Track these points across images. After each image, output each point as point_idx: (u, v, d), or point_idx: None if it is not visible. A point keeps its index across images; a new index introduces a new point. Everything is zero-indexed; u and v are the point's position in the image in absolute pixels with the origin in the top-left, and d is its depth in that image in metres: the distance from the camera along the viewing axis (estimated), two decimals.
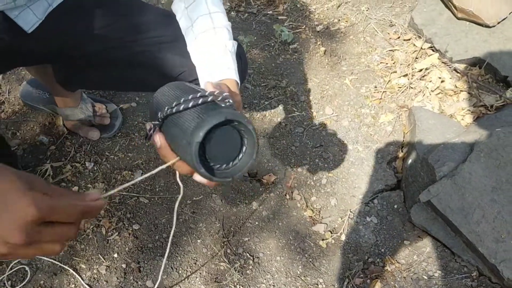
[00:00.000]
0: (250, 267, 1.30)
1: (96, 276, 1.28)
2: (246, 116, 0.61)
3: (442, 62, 1.73)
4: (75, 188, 1.47)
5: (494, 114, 1.53)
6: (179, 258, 1.32)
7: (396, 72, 1.76)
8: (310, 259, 1.33)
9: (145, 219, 1.41)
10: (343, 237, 1.37)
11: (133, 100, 1.75)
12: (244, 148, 0.65)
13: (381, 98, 1.70)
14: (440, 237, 1.30)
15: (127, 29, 1.14)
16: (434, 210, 1.29)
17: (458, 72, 1.70)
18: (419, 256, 1.31)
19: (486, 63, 1.67)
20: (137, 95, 1.76)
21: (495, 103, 1.57)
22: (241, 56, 1.09)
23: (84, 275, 1.29)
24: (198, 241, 1.36)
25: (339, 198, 1.46)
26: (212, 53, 0.93)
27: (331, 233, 1.38)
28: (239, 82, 0.89)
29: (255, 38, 2.01)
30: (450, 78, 1.67)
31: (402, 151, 1.56)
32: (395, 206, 1.43)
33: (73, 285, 1.27)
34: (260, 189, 1.49)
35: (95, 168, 1.54)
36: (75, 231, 0.56)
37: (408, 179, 1.43)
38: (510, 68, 1.63)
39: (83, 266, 1.31)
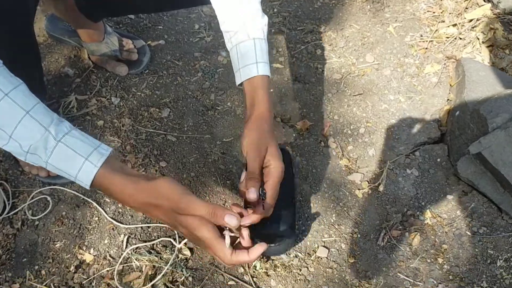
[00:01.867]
0: None
1: (120, 211, 1.23)
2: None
3: (494, 14, 1.60)
4: (100, 123, 1.40)
5: None
6: (207, 198, 1.25)
7: (444, 21, 1.64)
8: (345, 208, 1.26)
9: (173, 157, 1.34)
10: (381, 188, 1.29)
11: (161, 38, 1.66)
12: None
13: (427, 48, 1.59)
14: (487, 192, 1.21)
15: None
16: (484, 163, 1.20)
17: (511, 25, 1.58)
18: (462, 212, 1.23)
19: None
20: (166, 33, 1.67)
21: None
22: None
23: (108, 209, 1.23)
24: (228, 182, 1.29)
25: (377, 148, 1.38)
26: (244, 45, 0.97)
27: (368, 183, 1.30)
28: (270, 75, 0.97)
29: None
30: (503, 30, 1.55)
31: (447, 104, 1.45)
32: (438, 160, 1.34)
33: (96, 218, 1.21)
34: (294, 135, 1.40)
35: (121, 104, 1.46)
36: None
37: (455, 132, 1.34)
38: None
39: (107, 200, 1.25)
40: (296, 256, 1.16)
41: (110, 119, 1.42)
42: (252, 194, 0.86)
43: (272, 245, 1.01)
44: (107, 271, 1.12)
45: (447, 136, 1.38)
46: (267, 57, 0.99)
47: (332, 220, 1.23)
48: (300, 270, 1.14)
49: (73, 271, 1.13)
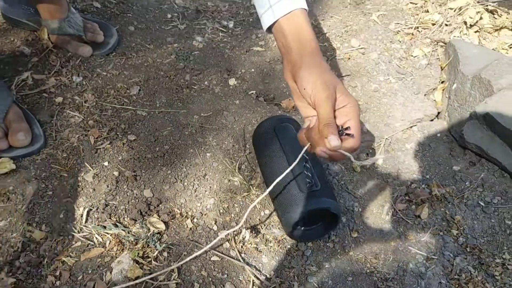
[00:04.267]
0: None
1: (80, 184, 1.03)
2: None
3: (477, 2, 1.57)
4: (59, 99, 1.23)
5: None
6: (185, 170, 1.08)
7: (428, 11, 1.59)
8: (342, 182, 1.10)
9: (143, 130, 1.17)
10: (380, 162, 1.15)
11: (130, 24, 1.53)
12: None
13: (413, 34, 1.52)
14: (498, 158, 1.09)
15: None
16: (492, 126, 1.09)
17: (495, 13, 1.54)
18: (472, 183, 1.10)
19: None
20: (135, 20, 1.55)
21: None
22: None
23: (64, 183, 1.03)
24: (208, 154, 1.12)
25: (371, 125, 1.25)
26: None
27: (367, 155, 1.16)
28: (306, 8, 0.80)
29: None
30: (489, 17, 1.51)
31: (441, 84, 1.36)
32: (438, 135, 1.23)
33: (50, 192, 1.01)
34: (279, 112, 1.27)
35: (84, 83, 1.30)
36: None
37: (453, 105, 1.23)
38: None
39: (64, 174, 1.05)
40: None
41: (71, 96, 1.25)
42: (334, 142, 0.69)
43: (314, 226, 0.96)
44: (62, 247, 0.91)
45: (443, 113, 1.28)
46: None
47: None
48: (297, 245, 0.97)
49: (19, 250, 0.91)
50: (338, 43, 1.50)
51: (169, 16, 1.60)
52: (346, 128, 0.71)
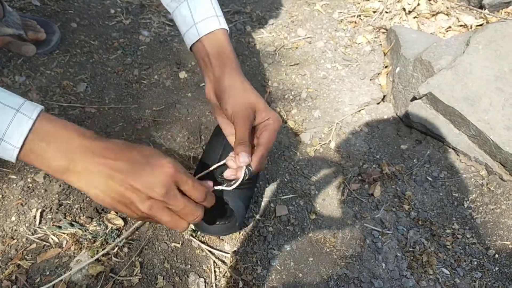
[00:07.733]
0: None
1: (31, 185, 0.99)
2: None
3: None
4: None
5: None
6: None
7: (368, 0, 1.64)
8: (298, 167, 1.13)
9: (94, 127, 1.14)
10: (332, 145, 1.18)
11: (73, 21, 1.48)
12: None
13: (355, 22, 1.56)
14: (442, 135, 1.15)
15: None
16: (435, 104, 1.15)
17: None
18: (419, 159, 1.15)
19: None
20: (77, 16, 1.50)
21: (474, 22, 1.48)
22: None
23: (14, 185, 0.99)
24: (163, 148, 1.11)
25: (322, 110, 1.28)
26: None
27: (320, 140, 1.19)
28: (228, 29, 0.82)
29: None
30: (426, 3, 1.58)
31: (385, 69, 1.42)
32: (385, 117, 1.28)
33: None
34: None
35: (27, 82, 1.25)
36: (201, 214, 0.63)
37: (398, 88, 1.29)
38: None
39: (13, 177, 1.01)
40: (252, 217, 1.00)
41: None
42: (243, 158, 0.71)
43: (220, 223, 0.87)
44: (16, 251, 0.88)
45: (389, 96, 1.33)
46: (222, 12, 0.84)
47: (285, 180, 1.09)
48: (259, 231, 0.98)
49: None
50: (285, 33, 1.53)
51: (112, 11, 1.56)
52: (231, 180, 0.74)
